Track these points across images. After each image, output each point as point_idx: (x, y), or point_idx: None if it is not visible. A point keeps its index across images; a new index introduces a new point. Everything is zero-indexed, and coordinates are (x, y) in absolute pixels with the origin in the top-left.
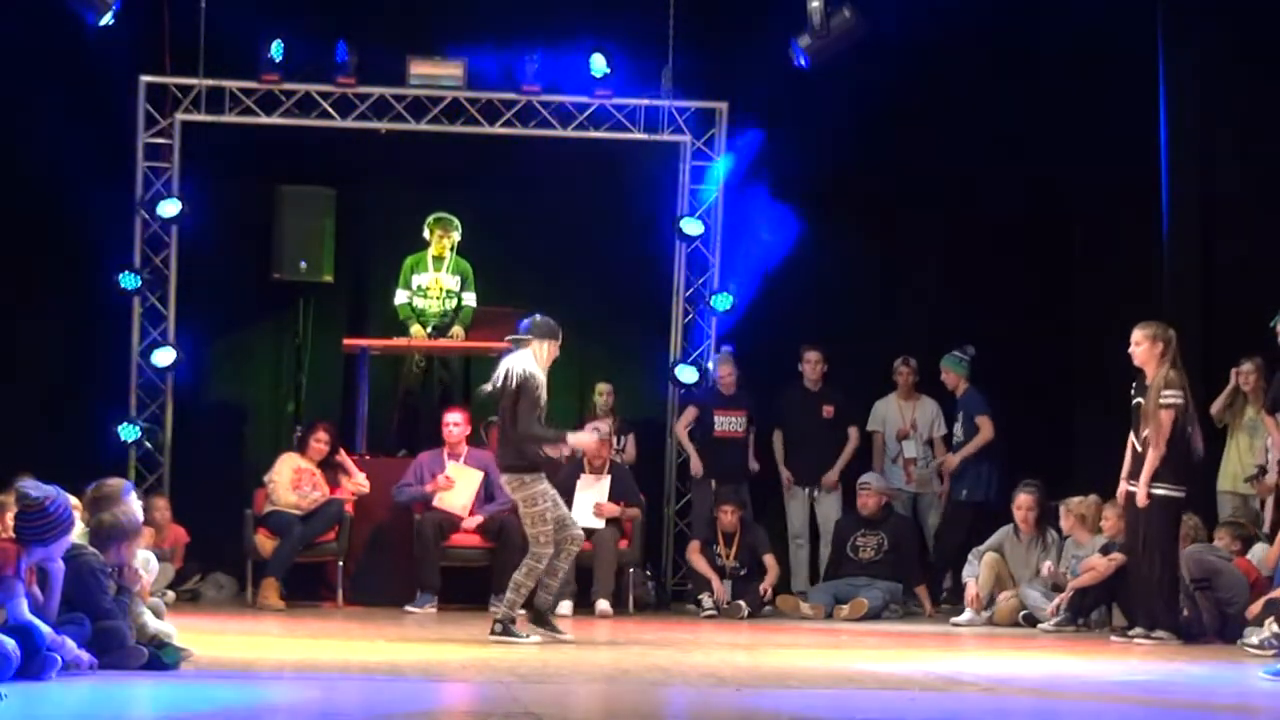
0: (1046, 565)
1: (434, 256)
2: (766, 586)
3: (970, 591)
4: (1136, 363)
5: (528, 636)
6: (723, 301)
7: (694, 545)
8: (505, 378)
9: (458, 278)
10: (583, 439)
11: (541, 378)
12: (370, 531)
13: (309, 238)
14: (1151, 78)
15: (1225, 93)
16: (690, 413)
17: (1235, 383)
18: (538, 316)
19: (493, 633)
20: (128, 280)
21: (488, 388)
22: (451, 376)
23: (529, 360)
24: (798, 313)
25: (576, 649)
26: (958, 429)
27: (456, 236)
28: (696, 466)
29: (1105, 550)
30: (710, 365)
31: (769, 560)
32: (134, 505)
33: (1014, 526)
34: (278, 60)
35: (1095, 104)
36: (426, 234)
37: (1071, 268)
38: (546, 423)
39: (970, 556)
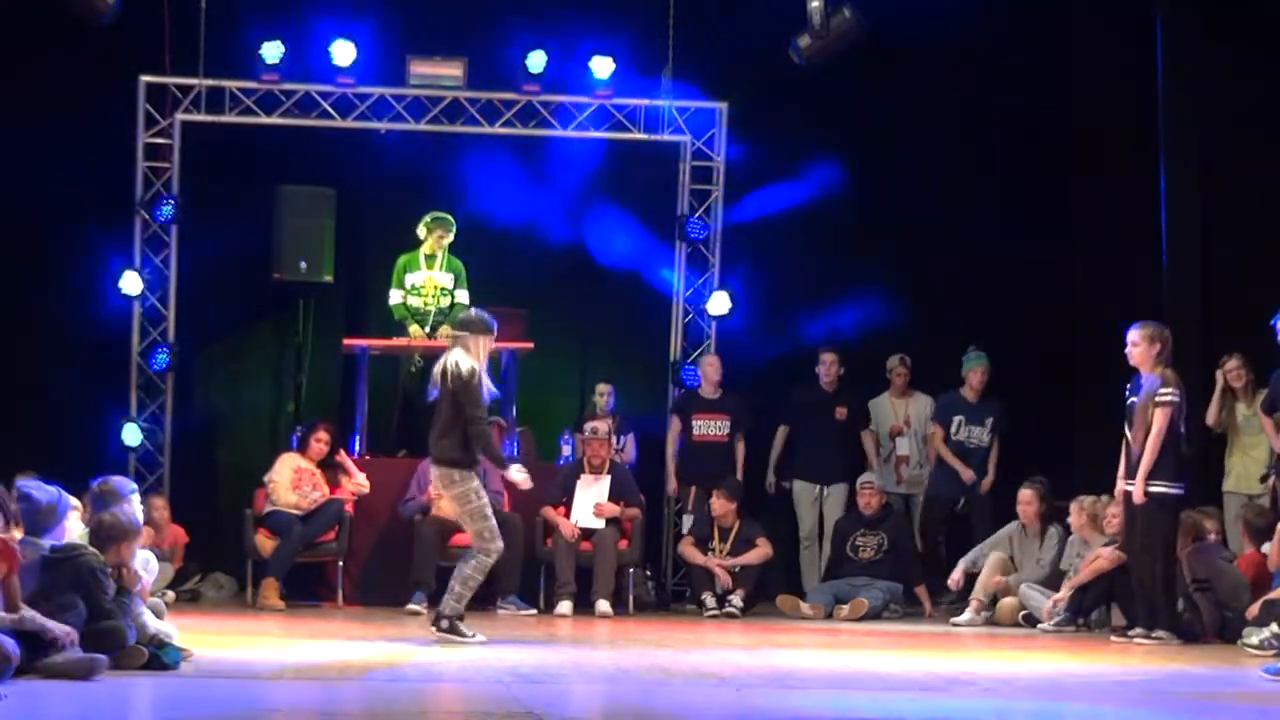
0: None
1: (426, 255)
2: (751, 560)
3: (956, 574)
4: (1133, 363)
5: (474, 635)
6: (719, 303)
7: (686, 539)
8: (444, 376)
9: (451, 275)
10: (515, 478)
11: (481, 371)
12: (370, 531)
13: (309, 238)
14: (1151, 78)
15: (1225, 92)
16: (675, 424)
17: (1225, 382)
18: (472, 311)
19: (439, 628)
20: (128, 282)
21: (435, 391)
22: None
23: (464, 356)
24: (801, 312)
25: (576, 649)
26: (983, 434)
27: (452, 236)
28: (672, 485)
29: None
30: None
31: (760, 541)
32: (135, 505)
33: (1019, 523)
34: (269, 63)
35: (1096, 103)
36: (423, 233)
37: (1072, 268)
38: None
39: (976, 551)
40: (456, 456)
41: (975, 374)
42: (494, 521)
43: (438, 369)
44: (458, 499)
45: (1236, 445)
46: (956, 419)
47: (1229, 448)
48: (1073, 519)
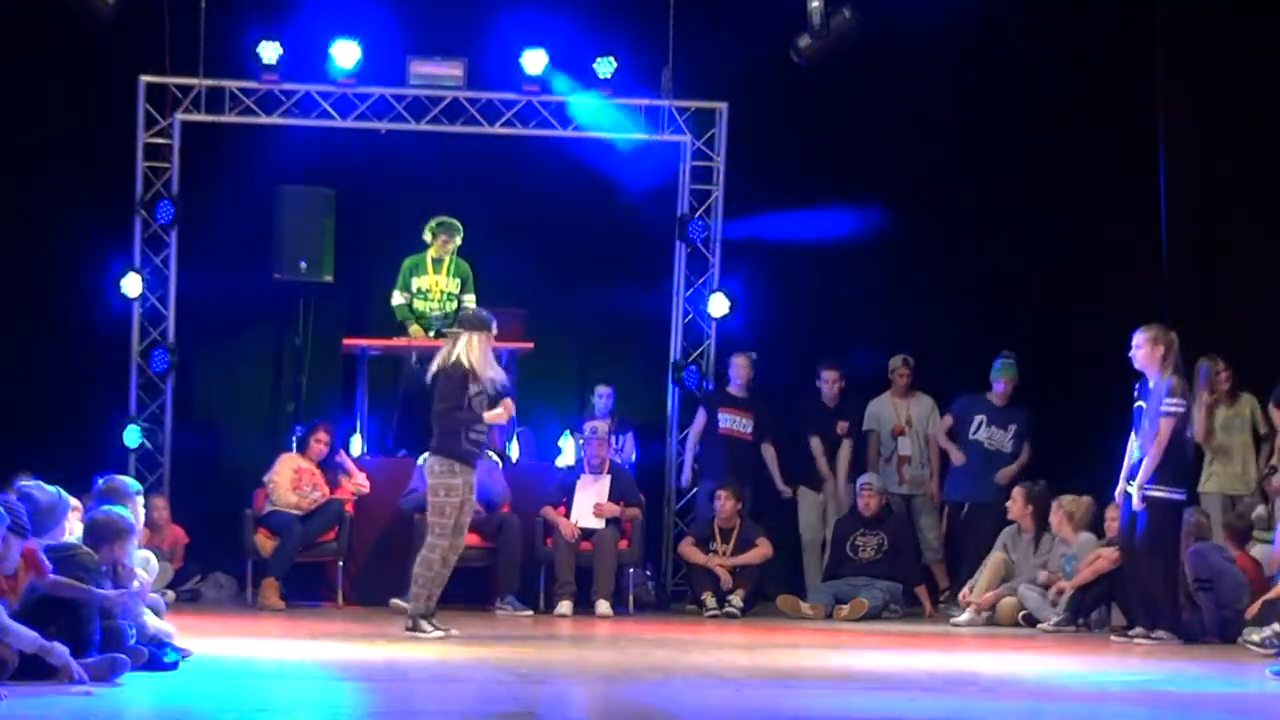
0: (1042, 574)
1: (433, 259)
2: (750, 560)
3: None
4: (1138, 365)
5: (432, 631)
6: (719, 305)
7: (687, 540)
8: (435, 371)
9: (458, 280)
10: (494, 415)
11: (466, 366)
12: (370, 531)
13: (309, 238)
14: (1151, 77)
15: (1225, 92)
16: (700, 418)
17: (1211, 387)
18: (469, 309)
19: (406, 629)
20: (129, 284)
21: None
22: None
23: (450, 353)
24: (801, 314)
25: (576, 649)
26: (1005, 439)
27: (459, 241)
28: (688, 475)
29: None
30: (706, 366)
31: (760, 541)
32: (139, 506)
33: (1016, 526)
34: (268, 63)
35: (1096, 104)
36: (428, 237)
37: (1072, 269)
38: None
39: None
40: (450, 449)
41: (1005, 380)
42: (449, 523)
43: (433, 366)
44: (438, 487)
45: (1216, 447)
46: (978, 418)
47: (1209, 450)
48: (1052, 518)
